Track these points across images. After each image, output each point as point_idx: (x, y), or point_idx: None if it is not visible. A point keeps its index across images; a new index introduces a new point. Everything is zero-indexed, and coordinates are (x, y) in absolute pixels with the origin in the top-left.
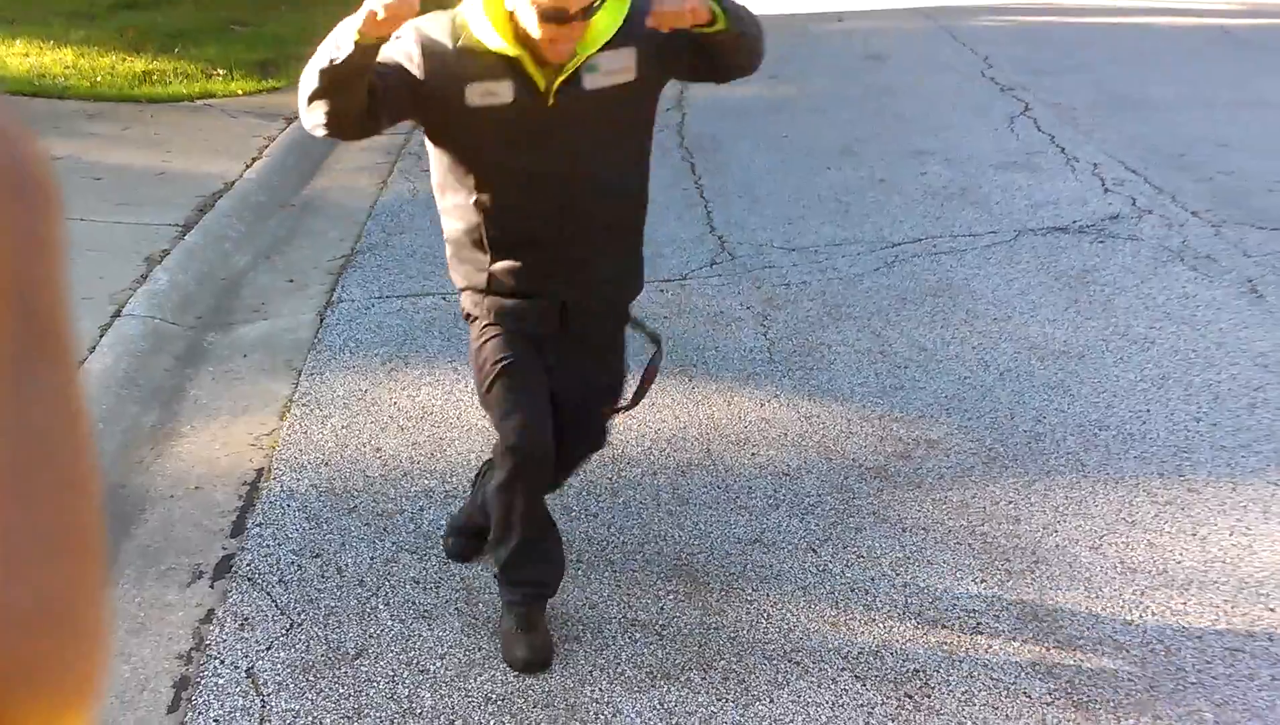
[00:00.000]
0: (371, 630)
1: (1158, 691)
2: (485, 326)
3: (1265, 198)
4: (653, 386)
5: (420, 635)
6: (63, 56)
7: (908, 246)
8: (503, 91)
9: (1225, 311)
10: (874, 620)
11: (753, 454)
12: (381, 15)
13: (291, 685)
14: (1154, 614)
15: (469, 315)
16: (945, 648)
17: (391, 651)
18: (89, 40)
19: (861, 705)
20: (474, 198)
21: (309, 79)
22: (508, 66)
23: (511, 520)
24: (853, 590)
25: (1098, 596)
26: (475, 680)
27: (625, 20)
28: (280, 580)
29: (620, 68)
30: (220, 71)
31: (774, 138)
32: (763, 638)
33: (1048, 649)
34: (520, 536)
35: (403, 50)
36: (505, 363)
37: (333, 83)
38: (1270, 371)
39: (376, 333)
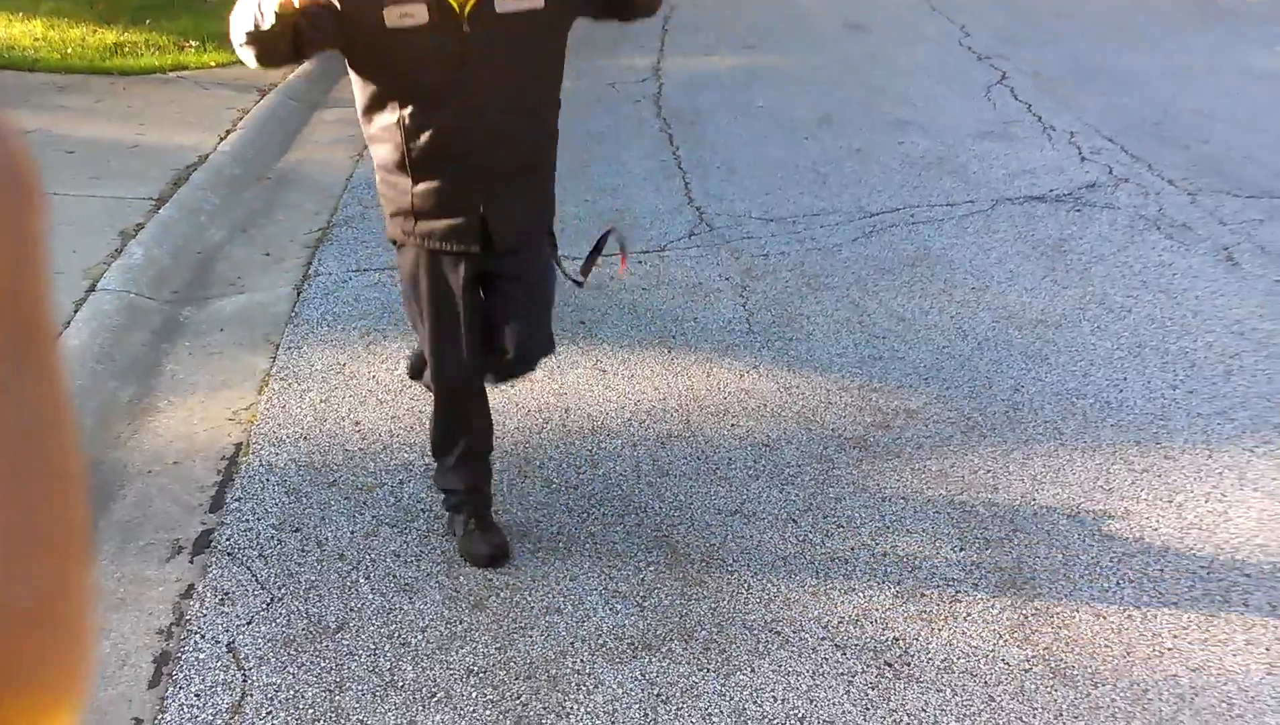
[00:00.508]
0: (352, 604)
1: (1134, 657)
2: (413, 254)
3: (1241, 166)
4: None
5: (401, 608)
6: (32, 28)
7: (886, 216)
8: (419, 13)
9: (1201, 279)
10: (854, 589)
11: (732, 425)
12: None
13: (272, 659)
14: (1130, 580)
15: (396, 242)
16: (924, 616)
17: (372, 625)
18: (59, 12)
19: (842, 674)
20: (395, 116)
21: (236, 31)
22: None
23: (448, 438)
24: (832, 560)
25: (1075, 564)
26: (457, 653)
27: None
28: (260, 555)
29: None
30: (192, 43)
31: (752, 108)
32: (743, 608)
33: (1025, 616)
34: (461, 451)
35: None
36: (433, 297)
37: (259, 41)
38: (1245, 339)
39: (354, 306)
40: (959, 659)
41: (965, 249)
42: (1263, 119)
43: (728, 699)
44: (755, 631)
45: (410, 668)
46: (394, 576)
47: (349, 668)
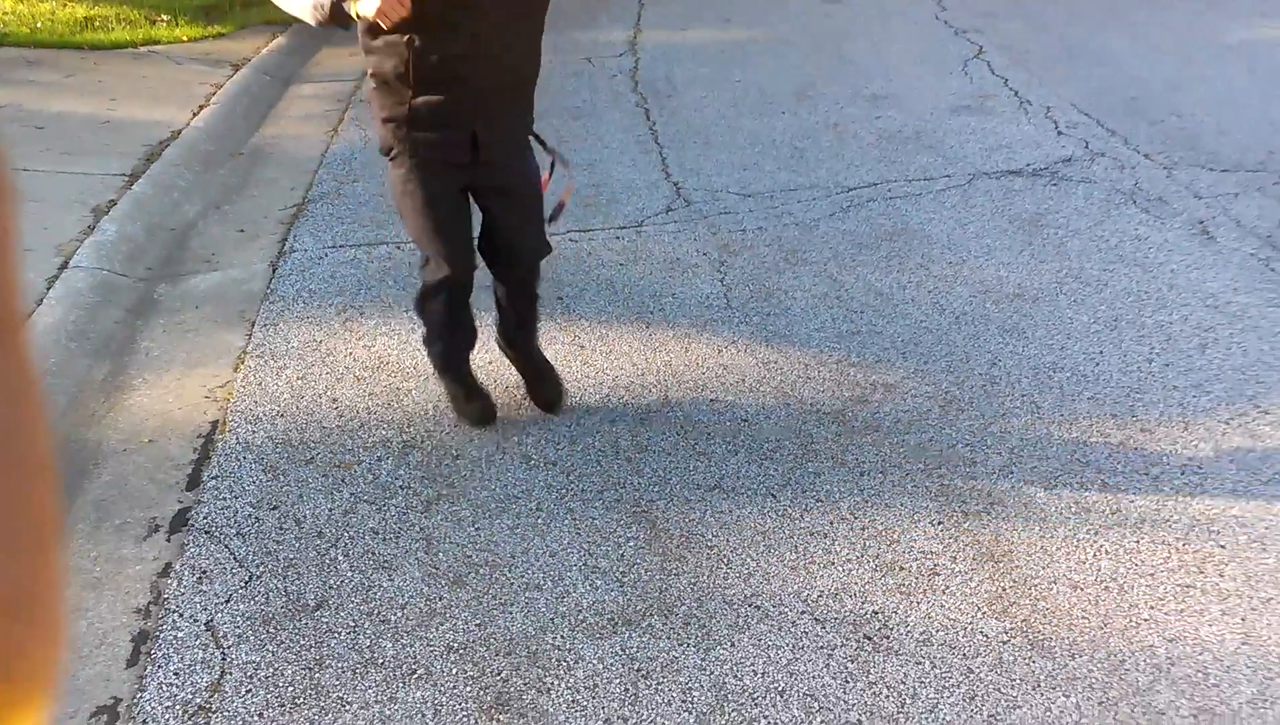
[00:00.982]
0: (331, 581)
1: (1111, 629)
2: (408, 164)
3: (1216, 140)
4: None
5: (380, 585)
6: (0, 2)
7: (863, 191)
8: None
9: (1177, 253)
10: (833, 563)
11: (711, 400)
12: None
13: (251, 637)
14: (1107, 552)
15: (389, 150)
16: (903, 589)
17: (352, 602)
18: None
19: (821, 648)
20: (405, 38)
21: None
22: None
23: (446, 324)
24: (811, 534)
25: (1052, 536)
26: (436, 629)
27: None
28: (238, 533)
29: None
30: (164, 18)
31: (728, 83)
32: (723, 583)
33: (1004, 589)
34: (453, 336)
35: None
36: (431, 201)
37: (313, 14)
38: (1220, 312)
39: (330, 282)
40: (937, 631)
41: (942, 224)
42: (1237, 93)
43: (708, 673)
44: (735, 606)
45: (390, 645)
46: (373, 554)
47: (328, 645)
